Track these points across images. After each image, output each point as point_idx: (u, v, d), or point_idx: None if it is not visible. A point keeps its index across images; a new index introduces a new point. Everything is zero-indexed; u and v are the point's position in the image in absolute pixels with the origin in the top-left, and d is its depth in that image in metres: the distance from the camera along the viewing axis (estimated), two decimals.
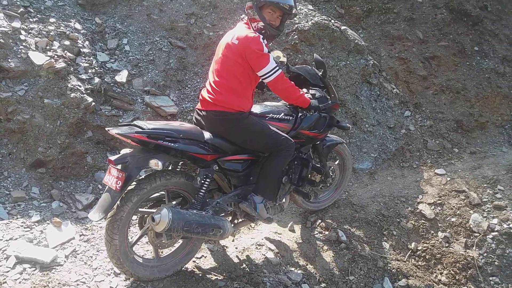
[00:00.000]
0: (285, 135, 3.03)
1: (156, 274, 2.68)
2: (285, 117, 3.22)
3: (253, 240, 3.42)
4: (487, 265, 3.67)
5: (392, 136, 5.27)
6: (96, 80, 4.16)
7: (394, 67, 5.97)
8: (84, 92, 3.96)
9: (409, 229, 3.93)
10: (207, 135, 2.76)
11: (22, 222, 3.08)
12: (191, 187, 2.74)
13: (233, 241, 3.46)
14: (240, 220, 3.13)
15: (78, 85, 3.96)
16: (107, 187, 2.43)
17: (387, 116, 5.40)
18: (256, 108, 3.17)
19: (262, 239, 3.45)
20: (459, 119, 5.68)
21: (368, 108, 5.34)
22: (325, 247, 3.54)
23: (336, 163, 4.02)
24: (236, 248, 3.30)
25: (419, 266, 3.66)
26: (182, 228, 2.45)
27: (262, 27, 2.93)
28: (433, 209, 4.10)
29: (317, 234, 3.70)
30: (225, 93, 2.82)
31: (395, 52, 6.08)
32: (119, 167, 2.38)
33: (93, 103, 4.00)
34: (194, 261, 3.00)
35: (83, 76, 4.09)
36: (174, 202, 2.75)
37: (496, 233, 3.83)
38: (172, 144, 2.51)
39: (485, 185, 4.33)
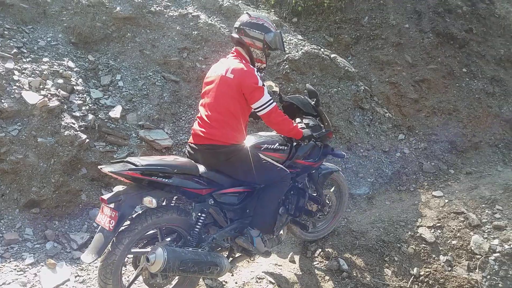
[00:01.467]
0: (281, 165, 3.02)
1: None
2: (280, 147, 3.21)
3: (253, 273, 3.35)
4: None
5: (388, 160, 5.28)
6: (90, 117, 4.17)
7: (385, 91, 6.05)
8: (78, 129, 3.96)
9: (410, 254, 3.87)
10: (201, 168, 2.72)
11: (15, 266, 3.01)
12: (186, 222, 2.67)
13: (232, 275, 3.39)
14: (237, 255, 3.07)
15: (72, 123, 3.96)
16: (100, 226, 2.38)
17: (381, 140, 5.43)
18: (251, 139, 3.15)
19: (262, 272, 3.38)
20: (452, 140, 5.72)
21: (362, 133, 5.37)
22: (327, 277, 3.47)
23: (332, 190, 4.00)
24: (236, 283, 3.22)
25: None
26: (178, 268, 2.40)
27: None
28: (433, 232, 4.06)
29: (317, 264, 3.64)
30: (218, 127, 2.80)
31: (386, 77, 6.17)
32: (112, 205, 2.33)
33: (87, 140, 3.99)
34: None
35: (77, 114, 4.10)
36: (168, 239, 2.67)
37: (498, 254, 3.77)
38: (166, 180, 2.47)
39: (483, 205, 4.30)
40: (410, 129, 5.78)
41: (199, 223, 2.68)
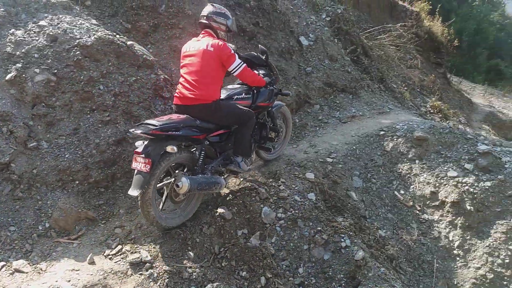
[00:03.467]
0: (248, 109, 4.35)
1: (179, 221, 3.99)
2: (246, 96, 4.54)
3: (45, 284, 3.07)
4: (278, 252, 4.17)
5: None
6: None
7: None
8: None
9: (212, 234, 4.13)
10: (197, 121, 3.85)
11: None
12: (192, 158, 3.93)
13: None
14: (227, 175, 4.48)
15: None
16: (136, 170, 3.39)
17: None
18: (223, 93, 4.34)
19: (56, 281, 3.12)
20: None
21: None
22: (129, 272, 3.43)
23: (281, 120, 5.47)
24: None
25: (222, 268, 3.88)
26: (197, 188, 3.69)
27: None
28: (230, 209, 4.41)
29: (119, 261, 3.56)
30: (205, 89, 3.92)
31: None
32: (143, 155, 3.34)
33: None
34: None
35: None
36: (177, 171, 3.84)
37: (282, 221, 4.40)
38: (178, 133, 3.62)
39: (270, 179, 4.93)
40: None
41: (201, 158, 3.97)
